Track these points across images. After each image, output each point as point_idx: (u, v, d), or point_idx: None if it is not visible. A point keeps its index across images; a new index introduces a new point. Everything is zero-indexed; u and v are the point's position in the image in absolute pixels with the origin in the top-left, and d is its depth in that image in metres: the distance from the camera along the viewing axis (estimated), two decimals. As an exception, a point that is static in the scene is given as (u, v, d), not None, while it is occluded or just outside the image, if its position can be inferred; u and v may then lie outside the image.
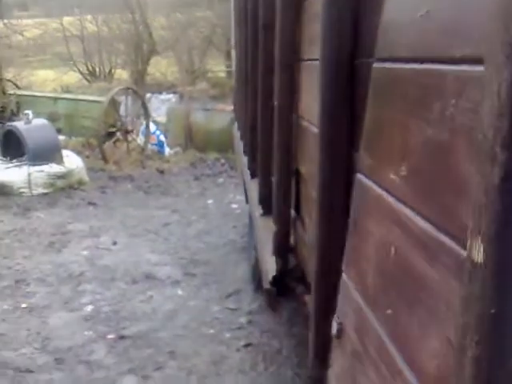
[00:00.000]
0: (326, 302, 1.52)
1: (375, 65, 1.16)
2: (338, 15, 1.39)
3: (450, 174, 0.79)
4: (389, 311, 0.96)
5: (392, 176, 0.99)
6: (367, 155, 1.17)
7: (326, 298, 1.52)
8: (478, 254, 0.62)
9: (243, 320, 4.33)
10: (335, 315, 1.28)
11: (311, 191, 2.07)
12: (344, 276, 1.27)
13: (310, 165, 2.05)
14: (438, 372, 0.78)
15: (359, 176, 1.20)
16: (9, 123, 8.71)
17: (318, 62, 1.78)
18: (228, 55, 16.31)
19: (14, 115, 10.11)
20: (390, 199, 1.01)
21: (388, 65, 1.11)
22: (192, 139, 10.51)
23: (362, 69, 1.38)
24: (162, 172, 9.24)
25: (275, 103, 2.48)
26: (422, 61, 0.96)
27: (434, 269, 0.82)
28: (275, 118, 2.45)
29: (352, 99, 1.42)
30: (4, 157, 8.03)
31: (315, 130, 1.92)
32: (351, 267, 1.23)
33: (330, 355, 1.36)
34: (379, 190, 1.08)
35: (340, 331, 1.23)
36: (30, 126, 7.98)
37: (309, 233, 2.19)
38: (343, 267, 1.28)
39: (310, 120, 2.07)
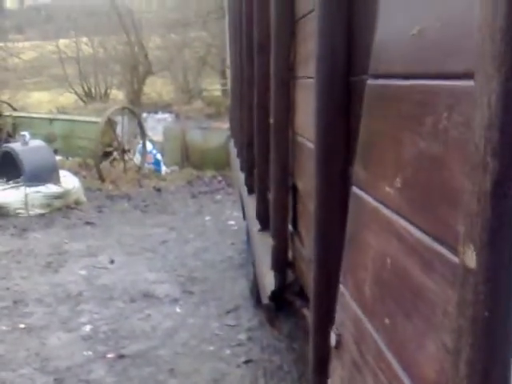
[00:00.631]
0: (325, 315, 1.54)
1: (369, 81, 1.19)
2: (332, 33, 1.44)
3: (444, 185, 0.82)
4: (386, 320, 0.99)
5: (387, 189, 1.02)
6: (362, 169, 1.20)
7: (325, 311, 1.54)
8: (471, 260, 0.65)
9: (243, 336, 4.33)
10: (333, 326, 1.30)
11: (308, 206, 2.10)
12: (341, 287, 1.29)
13: (307, 180, 2.08)
14: (436, 377, 0.80)
15: (354, 189, 1.23)
16: (5, 145, 8.74)
17: (313, 80, 1.82)
18: (223, 74, 16.44)
19: (10, 136, 10.14)
20: (386, 211, 1.03)
21: (382, 81, 1.15)
22: (188, 157, 10.56)
23: (357, 85, 1.42)
24: (158, 190, 9.26)
25: (271, 120, 2.52)
26: (414, 77, 0.99)
27: (430, 278, 0.85)
28: (271, 135, 2.49)
29: (347, 115, 1.45)
30: (1, 178, 8.05)
31: (311, 145, 1.96)
32: (349, 278, 1.25)
33: (329, 366, 1.37)
34: (374, 203, 1.11)
35: (339, 342, 1.25)
36: (27, 147, 8.02)
37: (306, 247, 2.22)
38: (341, 279, 1.30)
39: (305, 136, 2.10)
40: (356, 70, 1.45)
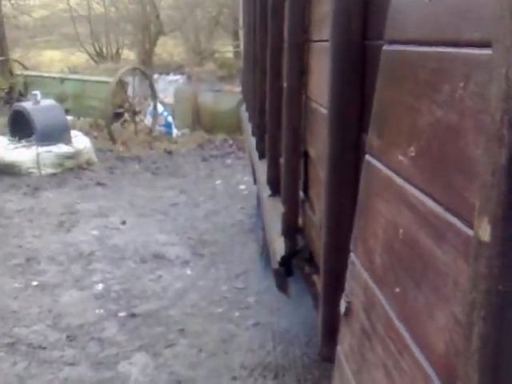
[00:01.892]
0: (335, 281, 1.55)
1: (385, 47, 1.17)
2: (348, -4, 1.40)
3: (459, 155, 0.81)
4: (396, 289, 0.99)
5: (400, 157, 1.01)
6: (376, 137, 1.18)
7: (335, 277, 1.55)
8: (485, 233, 0.64)
9: (251, 299, 4.39)
10: (343, 294, 1.30)
11: (320, 173, 2.09)
12: (352, 255, 1.29)
13: (319, 146, 2.06)
14: (445, 347, 0.80)
15: (368, 157, 1.22)
16: (17, 104, 8.74)
17: (327, 43, 1.78)
18: (235, 35, 16.21)
19: (22, 96, 10.13)
20: (399, 180, 1.02)
21: (397, 47, 1.12)
22: (200, 120, 10.50)
23: (372, 50, 1.39)
24: (169, 153, 9.26)
25: (284, 85, 2.48)
26: (430, 43, 0.97)
27: (442, 249, 0.84)
28: (284, 100, 2.46)
29: (362, 81, 1.43)
30: (12, 137, 8.07)
31: (325, 111, 1.94)
32: (359, 246, 1.25)
33: (338, 334, 1.39)
34: (387, 171, 1.09)
35: (348, 310, 1.25)
36: (39, 106, 8.01)
37: (317, 214, 2.22)
38: (351, 247, 1.30)
39: (319, 102, 2.07)
40: (371, 34, 1.42)
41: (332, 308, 1.55)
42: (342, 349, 1.30)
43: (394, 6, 1.12)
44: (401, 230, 0.99)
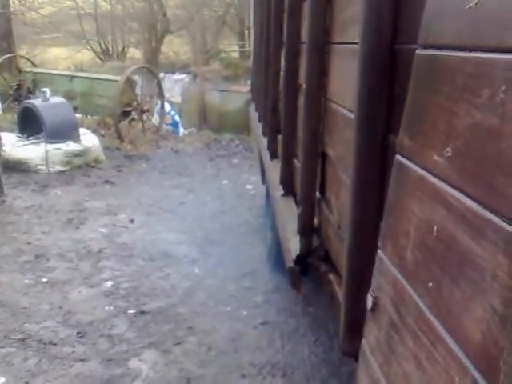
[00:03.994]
0: (358, 278, 1.59)
1: (418, 51, 1.21)
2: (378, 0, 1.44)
3: (499, 156, 0.84)
4: (430, 284, 1.03)
5: (436, 157, 1.05)
6: (408, 138, 1.22)
7: (358, 275, 1.59)
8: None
9: (259, 299, 4.42)
10: (370, 289, 1.34)
11: (340, 173, 2.13)
12: (380, 252, 1.33)
13: (340, 147, 2.10)
14: (482, 337, 0.84)
15: (398, 157, 1.26)
16: (26, 101, 8.78)
17: (351, 46, 1.82)
18: (241, 35, 16.26)
19: (31, 93, 10.17)
20: (433, 179, 1.06)
21: (431, 51, 1.16)
22: (206, 120, 10.55)
23: (402, 54, 1.43)
24: (176, 152, 9.31)
25: (303, 86, 2.52)
26: (468, 49, 1.01)
27: (480, 245, 0.88)
28: (303, 101, 2.50)
29: (390, 83, 1.47)
30: (21, 134, 8.12)
31: (346, 112, 1.98)
32: (388, 244, 1.29)
33: (361, 329, 1.42)
34: (421, 171, 1.13)
35: (375, 304, 1.29)
36: (48, 103, 8.06)
37: (335, 213, 2.26)
38: (379, 244, 1.34)
39: (340, 103, 2.11)
40: (401, 37, 1.46)
41: (354, 304, 1.59)
42: (368, 342, 1.34)
43: (428, 12, 1.16)
44: (435, 228, 1.03)
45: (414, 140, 1.17)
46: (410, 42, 1.34)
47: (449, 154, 0.99)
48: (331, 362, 3.52)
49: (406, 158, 1.21)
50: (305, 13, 2.70)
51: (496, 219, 0.85)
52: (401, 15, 1.44)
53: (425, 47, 1.18)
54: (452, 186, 0.98)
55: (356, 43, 1.57)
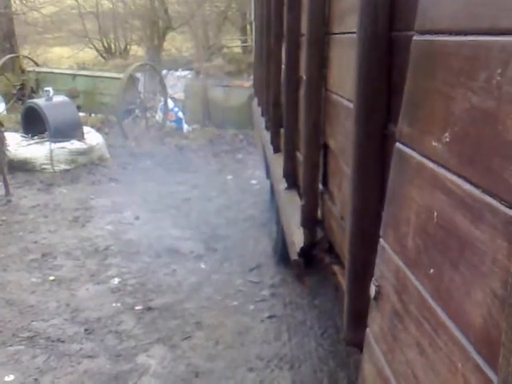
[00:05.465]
0: (360, 268, 1.59)
1: (415, 37, 1.20)
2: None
3: (497, 139, 0.84)
4: (431, 271, 1.02)
5: (434, 143, 1.04)
6: (407, 125, 1.21)
7: (360, 264, 1.59)
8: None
9: (266, 293, 4.43)
10: (373, 278, 1.34)
11: (341, 164, 2.12)
12: (381, 241, 1.33)
13: (341, 138, 2.10)
14: (483, 321, 0.84)
15: (398, 145, 1.25)
16: (29, 100, 8.80)
17: (349, 36, 1.82)
18: (243, 30, 16.22)
19: (34, 92, 10.19)
20: (432, 165, 1.06)
21: (428, 37, 1.15)
22: (210, 116, 10.55)
23: (399, 41, 1.43)
24: (180, 148, 9.31)
25: (303, 78, 2.51)
26: (464, 33, 1.00)
27: (480, 229, 0.87)
28: (303, 93, 2.49)
29: (388, 71, 1.46)
30: (25, 134, 8.14)
31: (346, 102, 1.97)
32: (389, 232, 1.28)
33: (364, 318, 1.42)
34: (420, 158, 1.13)
35: (378, 293, 1.29)
36: (51, 102, 8.07)
37: (338, 205, 2.25)
38: (381, 233, 1.34)
39: (340, 93, 2.10)
40: (398, 25, 1.45)
41: (358, 293, 1.59)
42: (372, 331, 1.34)
43: (424, -2, 1.15)
44: (435, 214, 1.02)
45: (412, 127, 1.17)
46: (407, 28, 1.33)
47: (447, 140, 0.99)
48: (338, 353, 3.52)
49: (406, 145, 1.20)
50: (304, 4, 2.69)
51: (495, 203, 0.84)
52: (397, 2, 1.44)
53: (422, 33, 1.17)
54: (451, 171, 0.98)
55: (354, 32, 1.56)
